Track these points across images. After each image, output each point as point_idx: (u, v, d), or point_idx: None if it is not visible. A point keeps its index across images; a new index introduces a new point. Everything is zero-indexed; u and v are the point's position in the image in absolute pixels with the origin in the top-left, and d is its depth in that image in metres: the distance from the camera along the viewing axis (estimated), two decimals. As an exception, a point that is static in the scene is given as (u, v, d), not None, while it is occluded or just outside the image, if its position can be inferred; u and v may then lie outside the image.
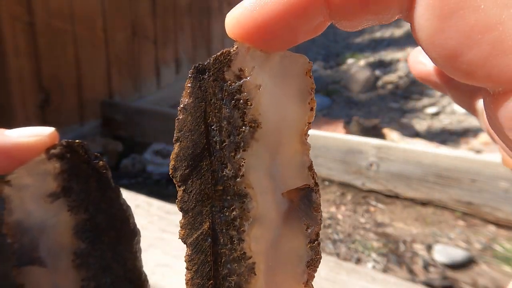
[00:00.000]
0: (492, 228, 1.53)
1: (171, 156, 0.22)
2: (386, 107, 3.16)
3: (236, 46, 0.20)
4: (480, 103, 0.30)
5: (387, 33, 5.09)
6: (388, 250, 1.45)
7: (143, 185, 1.82)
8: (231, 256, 0.22)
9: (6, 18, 1.66)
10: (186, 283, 0.22)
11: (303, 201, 0.21)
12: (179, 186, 0.22)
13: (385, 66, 3.99)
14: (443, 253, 1.40)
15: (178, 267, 0.82)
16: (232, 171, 0.21)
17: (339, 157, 1.78)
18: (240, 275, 0.22)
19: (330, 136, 1.82)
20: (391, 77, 3.68)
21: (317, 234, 0.21)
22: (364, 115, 3.00)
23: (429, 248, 1.45)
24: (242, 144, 0.21)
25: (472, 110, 0.31)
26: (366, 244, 1.49)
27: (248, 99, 0.21)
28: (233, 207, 0.22)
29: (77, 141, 0.25)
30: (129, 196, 1.39)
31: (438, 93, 3.19)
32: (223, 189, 0.22)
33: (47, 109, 1.91)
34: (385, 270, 1.35)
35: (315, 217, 0.21)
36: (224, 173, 0.21)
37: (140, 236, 0.27)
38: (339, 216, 1.65)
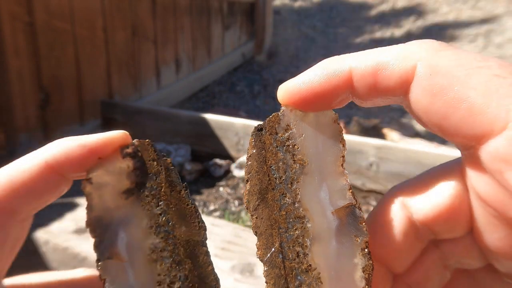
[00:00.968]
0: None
1: (244, 193, 0.28)
2: (386, 107, 3.16)
3: (282, 110, 0.28)
4: None
5: (387, 33, 5.09)
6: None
7: (143, 185, 1.82)
8: (299, 268, 0.27)
9: (6, 18, 1.66)
10: None
11: (350, 217, 0.27)
12: (252, 215, 0.28)
13: (385, 66, 3.99)
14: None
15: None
16: (290, 199, 0.27)
17: (339, 157, 1.77)
18: (309, 285, 0.27)
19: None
20: (391, 77, 3.68)
21: (367, 243, 0.26)
22: (364, 115, 3.00)
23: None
24: (295, 178, 0.27)
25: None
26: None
27: (295, 144, 0.28)
28: (295, 227, 0.27)
29: (147, 140, 0.28)
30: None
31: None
32: (286, 214, 0.27)
33: (47, 109, 1.91)
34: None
35: (361, 228, 0.26)
36: (285, 201, 0.27)
37: (206, 234, 0.28)
38: (339, 216, 1.65)
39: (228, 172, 1.95)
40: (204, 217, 1.41)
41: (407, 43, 0.26)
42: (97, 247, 0.27)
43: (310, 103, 0.27)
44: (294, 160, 0.27)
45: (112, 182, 0.27)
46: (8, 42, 1.67)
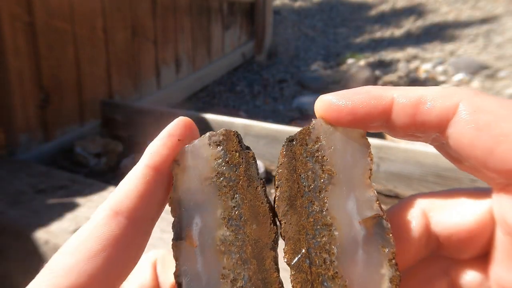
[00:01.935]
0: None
1: (274, 198, 0.29)
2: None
3: (313, 123, 0.29)
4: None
5: (387, 33, 5.08)
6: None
7: (143, 185, 1.81)
8: (326, 275, 0.27)
9: (6, 18, 1.66)
10: None
11: (377, 227, 0.27)
12: (281, 220, 0.28)
13: (385, 66, 3.99)
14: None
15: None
16: (318, 207, 0.28)
17: (339, 157, 1.77)
18: None
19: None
20: (391, 77, 3.68)
21: (393, 254, 0.26)
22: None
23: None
24: (323, 187, 0.28)
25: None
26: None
27: (324, 155, 0.28)
28: (322, 234, 0.27)
29: (233, 130, 0.29)
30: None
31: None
32: (314, 221, 0.28)
33: (47, 109, 1.91)
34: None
35: (388, 239, 0.27)
36: (313, 208, 0.28)
37: (278, 237, 0.28)
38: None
39: (228, 172, 1.95)
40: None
41: (449, 87, 0.27)
42: (174, 226, 0.27)
43: (345, 122, 0.28)
44: (323, 170, 0.28)
45: (197, 167, 0.28)
46: (8, 42, 1.67)
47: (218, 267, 0.27)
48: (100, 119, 2.23)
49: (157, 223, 0.29)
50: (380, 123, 0.28)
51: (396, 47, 4.53)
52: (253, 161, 0.28)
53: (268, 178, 1.81)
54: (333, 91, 0.29)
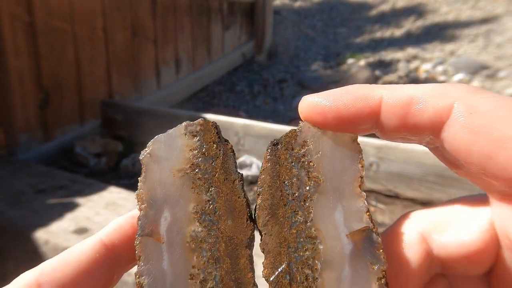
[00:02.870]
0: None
1: (255, 207, 0.27)
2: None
3: (300, 125, 0.27)
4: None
5: (387, 33, 5.08)
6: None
7: (143, 185, 1.81)
8: None
9: (6, 18, 1.66)
10: None
11: (366, 242, 0.25)
12: (261, 231, 0.26)
13: (385, 66, 3.99)
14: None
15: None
16: (302, 217, 0.26)
17: (339, 157, 1.77)
18: None
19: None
20: (391, 77, 3.68)
21: (384, 272, 0.24)
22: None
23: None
24: (309, 195, 0.26)
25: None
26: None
27: (311, 161, 0.26)
28: (305, 247, 0.25)
29: (212, 121, 0.27)
30: (129, 196, 1.39)
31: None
32: (296, 232, 0.25)
33: (47, 109, 1.91)
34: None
35: (378, 255, 0.24)
36: (296, 218, 0.26)
37: (254, 234, 0.26)
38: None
39: (228, 172, 1.95)
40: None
41: (441, 84, 0.24)
42: (139, 220, 0.25)
43: (331, 125, 0.25)
44: (309, 177, 0.26)
45: (170, 157, 0.26)
46: (8, 42, 1.67)
47: (187, 266, 0.25)
48: (100, 119, 2.23)
49: None
50: (368, 125, 0.25)
51: (396, 47, 4.53)
52: (231, 154, 0.26)
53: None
54: None
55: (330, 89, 0.26)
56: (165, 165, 0.26)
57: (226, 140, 0.27)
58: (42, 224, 1.21)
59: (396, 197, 1.70)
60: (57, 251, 1.16)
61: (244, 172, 1.81)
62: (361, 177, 0.26)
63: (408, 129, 0.24)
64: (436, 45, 4.44)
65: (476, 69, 3.68)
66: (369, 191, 1.75)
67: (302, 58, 4.44)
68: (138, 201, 0.26)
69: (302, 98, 0.26)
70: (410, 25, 5.18)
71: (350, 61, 4.15)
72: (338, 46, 4.78)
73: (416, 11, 5.52)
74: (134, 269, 0.25)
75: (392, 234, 0.26)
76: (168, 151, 0.26)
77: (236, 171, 0.26)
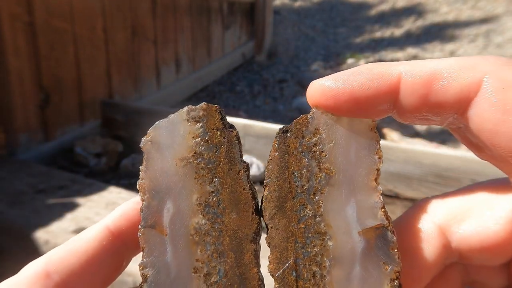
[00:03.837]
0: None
1: (261, 198, 0.25)
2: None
3: (312, 112, 0.24)
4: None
5: (387, 33, 5.08)
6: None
7: (143, 185, 1.81)
8: None
9: (6, 18, 1.66)
10: None
11: (379, 240, 0.23)
12: (267, 224, 0.24)
13: (385, 66, 3.99)
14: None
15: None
16: (312, 211, 0.24)
17: (339, 157, 1.77)
18: None
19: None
20: (391, 77, 3.68)
21: (397, 273, 0.22)
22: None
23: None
24: (319, 188, 0.24)
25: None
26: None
27: (323, 151, 0.24)
28: (314, 243, 0.24)
29: (216, 105, 0.25)
30: (129, 196, 1.39)
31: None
32: (305, 227, 0.24)
33: (47, 109, 1.91)
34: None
35: (392, 255, 0.23)
36: (305, 212, 0.24)
37: (260, 228, 0.25)
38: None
39: (228, 172, 1.95)
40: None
41: (467, 56, 0.22)
42: (142, 211, 0.24)
43: (345, 109, 0.23)
44: (320, 169, 0.24)
45: (172, 145, 0.24)
46: (8, 42, 1.67)
47: (191, 259, 0.24)
48: (100, 119, 2.23)
49: None
50: (385, 107, 0.23)
51: (396, 47, 4.53)
52: (236, 142, 0.25)
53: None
54: None
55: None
56: (167, 154, 0.24)
57: (232, 126, 0.25)
58: (42, 224, 1.21)
59: (396, 197, 1.70)
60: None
61: (244, 172, 1.81)
62: (377, 170, 0.24)
63: (430, 108, 0.22)
64: (436, 45, 4.44)
65: (476, 69, 3.67)
66: (369, 191, 1.75)
67: (302, 58, 4.44)
68: (140, 191, 0.24)
69: (311, 83, 0.24)
70: (410, 25, 5.18)
71: (350, 61, 4.15)
72: (338, 46, 4.78)
73: (416, 11, 5.52)
74: (134, 269, 0.25)
75: (406, 225, 0.24)
76: (170, 138, 0.25)
77: (242, 160, 0.25)
